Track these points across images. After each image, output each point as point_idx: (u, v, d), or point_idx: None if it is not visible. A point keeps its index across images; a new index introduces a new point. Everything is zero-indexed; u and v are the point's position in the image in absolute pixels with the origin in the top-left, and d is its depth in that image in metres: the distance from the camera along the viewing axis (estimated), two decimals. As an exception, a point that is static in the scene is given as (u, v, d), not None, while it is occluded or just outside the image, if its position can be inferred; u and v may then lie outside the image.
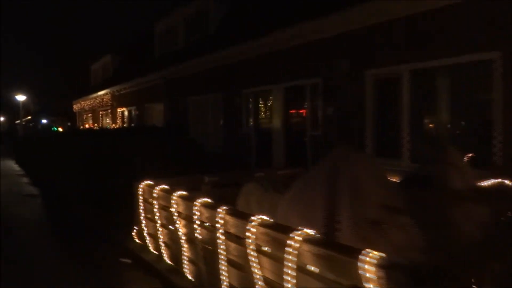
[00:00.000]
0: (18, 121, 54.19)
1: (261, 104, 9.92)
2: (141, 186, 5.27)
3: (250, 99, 10.01)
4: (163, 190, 4.70)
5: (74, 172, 8.81)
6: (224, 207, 3.43)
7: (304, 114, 8.32)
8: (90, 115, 24.93)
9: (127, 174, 7.72)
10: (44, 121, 44.06)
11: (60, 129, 25.66)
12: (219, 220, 3.43)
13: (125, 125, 18.88)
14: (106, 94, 21.09)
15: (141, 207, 5.28)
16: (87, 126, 24.92)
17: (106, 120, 22.22)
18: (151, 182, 5.21)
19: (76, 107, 27.41)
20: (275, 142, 9.08)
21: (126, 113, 18.93)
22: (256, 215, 3.05)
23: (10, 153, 28.50)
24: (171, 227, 4.49)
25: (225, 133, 10.98)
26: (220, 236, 3.44)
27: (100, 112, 22.60)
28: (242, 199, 4.60)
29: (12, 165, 20.20)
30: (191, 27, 13.72)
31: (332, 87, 7.45)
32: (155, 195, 4.80)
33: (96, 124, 23.39)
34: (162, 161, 8.47)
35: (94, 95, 23.14)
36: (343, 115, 7.28)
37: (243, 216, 3.16)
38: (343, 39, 7.12)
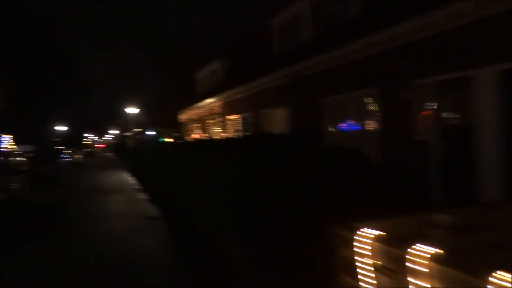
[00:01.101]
0: (128, 133, 57.67)
1: (449, 97, 7.13)
2: (361, 239, 2.99)
3: (429, 92, 7.29)
4: (445, 263, 2.34)
5: (205, 193, 6.99)
6: None
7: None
8: (197, 124, 24.20)
9: (284, 199, 5.59)
10: (149, 132, 45.73)
11: (167, 140, 25.38)
12: None
13: (237, 134, 17.31)
14: (215, 101, 19.91)
15: (366, 278, 2.99)
16: (195, 136, 24.21)
17: (214, 129, 21.08)
18: (382, 234, 2.92)
19: (182, 117, 27.08)
20: (482, 152, 6.22)
21: (238, 120, 17.36)
22: None
23: (124, 164, 29.33)
24: None
25: (384, 140, 8.37)
26: None
27: (208, 121, 21.56)
28: None
29: (127, 178, 20.04)
30: (322, 14, 11.45)
31: None
32: (417, 267, 2.46)
33: (204, 134, 22.45)
34: (322, 180, 6.21)
35: (201, 103, 22.25)
36: None
37: None
38: None
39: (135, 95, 33.95)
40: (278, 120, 13.74)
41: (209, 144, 13.10)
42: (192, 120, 24.97)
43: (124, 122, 55.38)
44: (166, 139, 26.13)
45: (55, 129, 47.35)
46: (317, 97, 10.74)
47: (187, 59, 29.88)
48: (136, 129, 38.98)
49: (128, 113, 33.15)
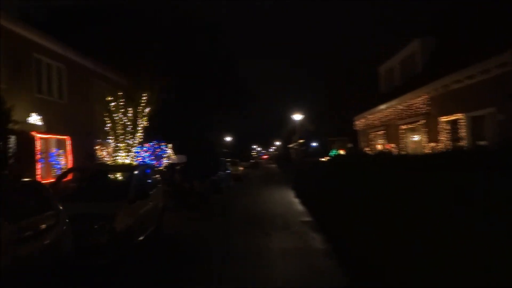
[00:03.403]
0: (292, 144, 55.17)
1: None
2: None
3: None
4: None
5: None
6: None
7: None
8: (381, 132, 18.37)
9: None
10: (314, 144, 41.57)
11: (341, 152, 20.28)
12: None
13: (460, 143, 10.93)
14: (412, 98, 13.91)
15: None
16: (378, 147, 18.47)
17: (411, 137, 14.96)
18: None
19: (358, 123, 21.62)
20: None
21: (463, 122, 10.95)
22: None
23: (287, 179, 25.56)
24: None
25: None
26: None
27: (401, 127, 15.54)
28: None
29: (292, 200, 15.63)
30: None
31: None
32: None
33: (391, 144, 16.49)
34: None
35: (387, 104, 16.46)
36: None
37: None
38: None
39: (301, 102, 30.08)
40: None
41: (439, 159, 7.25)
42: (373, 127, 19.26)
43: (288, 133, 53.08)
44: (340, 151, 20.93)
45: (222, 140, 47.73)
46: None
47: (366, 53, 24.39)
48: (300, 140, 35.27)
49: (294, 122, 29.46)
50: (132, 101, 14.41)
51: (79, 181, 7.85)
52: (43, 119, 13.70)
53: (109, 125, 14.12)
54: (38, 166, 13.83)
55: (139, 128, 14.69)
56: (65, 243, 4.34)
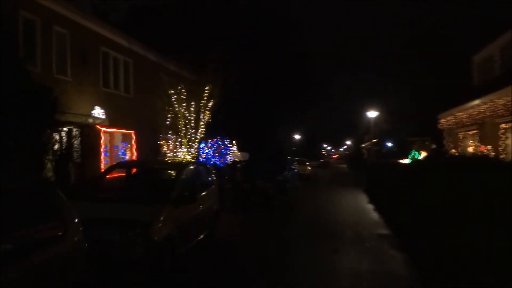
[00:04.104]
0: (364, 145, 52.10)
1: None
2: None
3: None
4: None
5: None
6: None
7: None
8: (473, 131, 15.85)
9: None
10: (389, 144, 38.59)
11: (423, 153, 17.96)
12: None
13: None
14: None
15: None
16: (469, 149, 15.97)
17: (515, 138, 12.50)
18: None
19: (444, 122, 19.04)
20: None
21: None
22: None
23: (358, 181, 23.55)
24: None
25: None
26: None
27: (501, 126, 13.08)
28: None
29: (365, 207, 13.83)
30: None
31: None
32: None
33: (489, 146, 14.01)
34: None
35: (483, 99, 14.00)
36: None
37: None
38: None
39: (377, 98, 27.67)
40: None
41: None
42: (463, 125, 16.74)
43: (360, 132, 50.25)
44: (421, 153, 18.66)
45: (291, 138, 46.43)
46: None
47: (456, 41, 21.56)
48: (374, 140, 32.76)
49: (368, 120, 27.26)
50: (195, 95, 13.74)
51: (123, 179, 7.17)
52: (106, 113, 13.58)
53: (170, 119, 13.62)
54: (103, 160, 13.79)
55: (201, 123, 14.01)
56: (75, 265, 3.41)
